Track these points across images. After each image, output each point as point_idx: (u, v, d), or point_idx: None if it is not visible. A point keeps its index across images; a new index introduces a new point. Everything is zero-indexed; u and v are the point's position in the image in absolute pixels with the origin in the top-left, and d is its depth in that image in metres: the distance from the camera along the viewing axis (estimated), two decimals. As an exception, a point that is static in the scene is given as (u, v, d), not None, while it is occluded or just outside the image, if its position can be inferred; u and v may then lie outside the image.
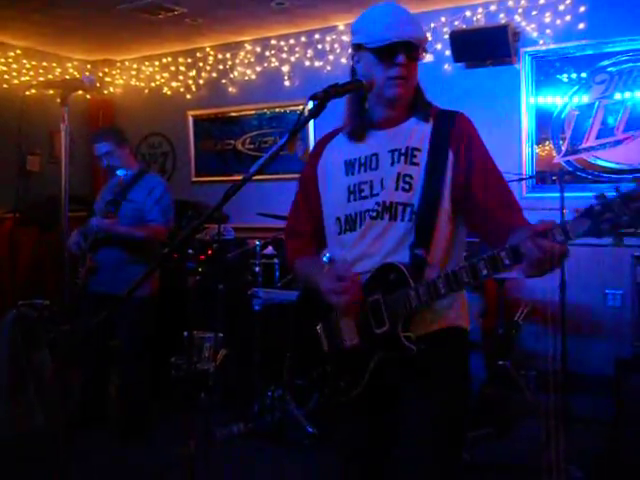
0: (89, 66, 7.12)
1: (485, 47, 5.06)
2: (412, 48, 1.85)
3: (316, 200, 2.07)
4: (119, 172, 3.77)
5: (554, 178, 4.61)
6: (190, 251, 4.26)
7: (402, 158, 1.89)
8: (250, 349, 4.16)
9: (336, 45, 5.85)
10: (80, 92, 6.35)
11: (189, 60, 6.73)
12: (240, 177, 6.48)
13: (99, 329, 4.03)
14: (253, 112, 6.42)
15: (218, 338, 4.18)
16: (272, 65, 6.25)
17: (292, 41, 6.12)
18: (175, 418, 3.50)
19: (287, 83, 6.16)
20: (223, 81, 6.53)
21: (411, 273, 1.79)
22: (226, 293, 4.44)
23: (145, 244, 3.99)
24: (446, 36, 5.26)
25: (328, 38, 5.90)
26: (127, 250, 3.94)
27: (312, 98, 1.75)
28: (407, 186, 1.87)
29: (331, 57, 5.88)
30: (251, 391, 4.23)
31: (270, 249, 4.74)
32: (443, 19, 5.39)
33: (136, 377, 4.04)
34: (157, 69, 6.94)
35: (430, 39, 5.40)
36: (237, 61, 6.43)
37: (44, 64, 6.61)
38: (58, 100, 2.57)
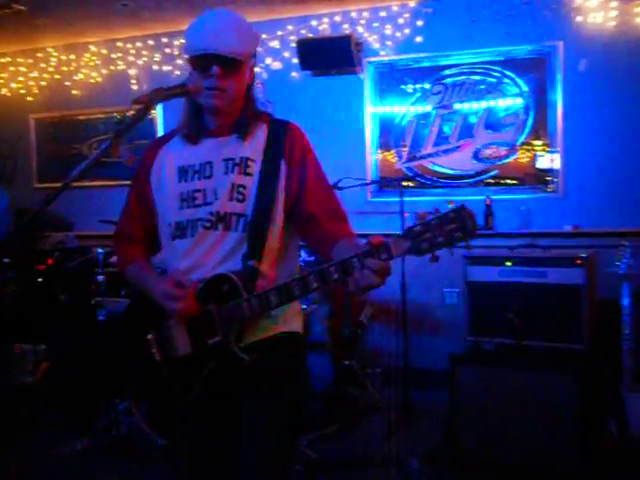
0: None
1: (330, 56, 5.20)
2: (228, 60, 1.81)
3: (149, 205, 2.02)
4: None
5: (396, 183, 4.82)
6: (6, 260, 4.05)
7: (236, 168, 1.89)
8: (91, 361, 4.01)
9: (185, 49, 5.77)
10: None
11: (30, 60, 6.41)
12: (87, 183, 6.16)
13: None
14: (101, 116, 6.21)
15: (39, 351, 3.99)
16: (119, 68, 6.09)
17: (139, 44, 5.99)
18: None
19: (135, 87, 6.02)
20: (67, 83, 6.28)
21: (244, 284, 1.79)
22: (68, 304, 4.25)
23: None
24: (293, 44, 5.35)
25: (176, 42, 5.82)
26: None
27: (136, 102, 1.70)
28: (241, 196, 1.87)
29: (179, 61, 5.79)
30: (96, 405, 4.08)
31: (116, 258, 4.59)
32: (290, 27, 5.48)
33: None
34: (-6, 69, 6.55)
35: (278, 47, 5.48)
36: (82, 63, 6.20)
37: None
38: None
